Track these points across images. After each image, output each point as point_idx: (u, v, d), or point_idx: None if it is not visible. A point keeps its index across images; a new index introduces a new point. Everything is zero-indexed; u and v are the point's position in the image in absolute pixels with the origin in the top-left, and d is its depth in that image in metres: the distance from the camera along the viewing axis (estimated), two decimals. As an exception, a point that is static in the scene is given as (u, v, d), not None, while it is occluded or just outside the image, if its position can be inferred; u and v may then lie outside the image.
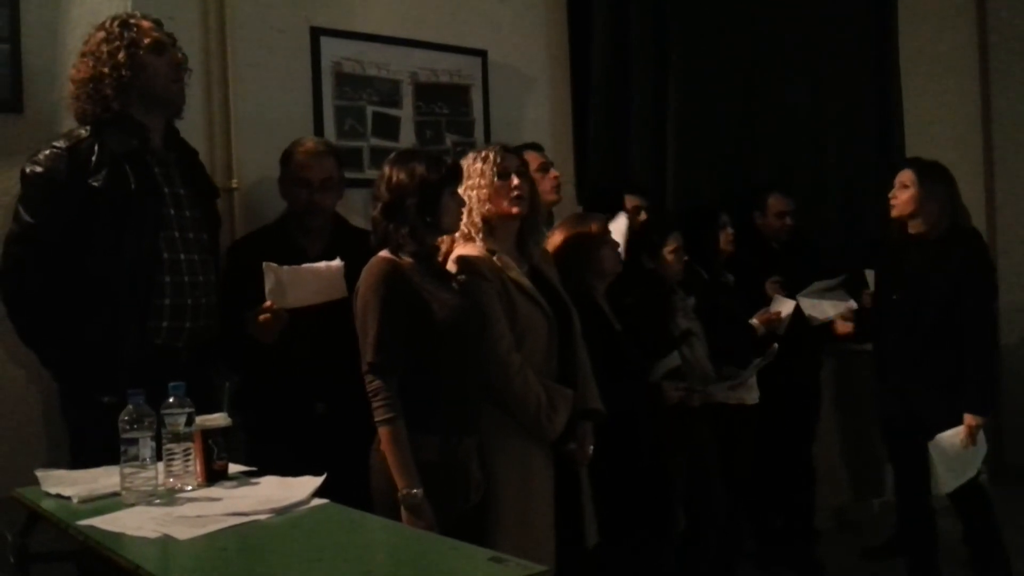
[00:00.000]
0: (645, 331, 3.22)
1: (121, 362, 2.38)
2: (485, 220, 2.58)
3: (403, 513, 2.21)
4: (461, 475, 2.38)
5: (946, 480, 3.38)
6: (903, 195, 3.56)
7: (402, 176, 2.33)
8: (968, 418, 3.37)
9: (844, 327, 3.99)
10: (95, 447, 2.10)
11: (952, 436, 3.37)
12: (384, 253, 2.33)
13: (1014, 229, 5.56)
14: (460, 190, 2.47)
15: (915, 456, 3.58)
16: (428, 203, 2.33)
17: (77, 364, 2.42)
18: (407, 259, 2.33)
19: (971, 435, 3.36)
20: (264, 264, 2.57)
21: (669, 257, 3.44)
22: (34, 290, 2.40)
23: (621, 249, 3.16)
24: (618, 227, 3.23)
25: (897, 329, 3.58)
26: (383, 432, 2.25)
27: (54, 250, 2.39)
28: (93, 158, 2.40)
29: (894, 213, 3.61)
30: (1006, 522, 3.70)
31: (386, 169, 2.39)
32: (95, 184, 2.39)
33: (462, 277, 2.51)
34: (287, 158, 2.91)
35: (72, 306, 2.40)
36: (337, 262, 2.63)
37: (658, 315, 3.37)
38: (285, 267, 2.60)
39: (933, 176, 3.56)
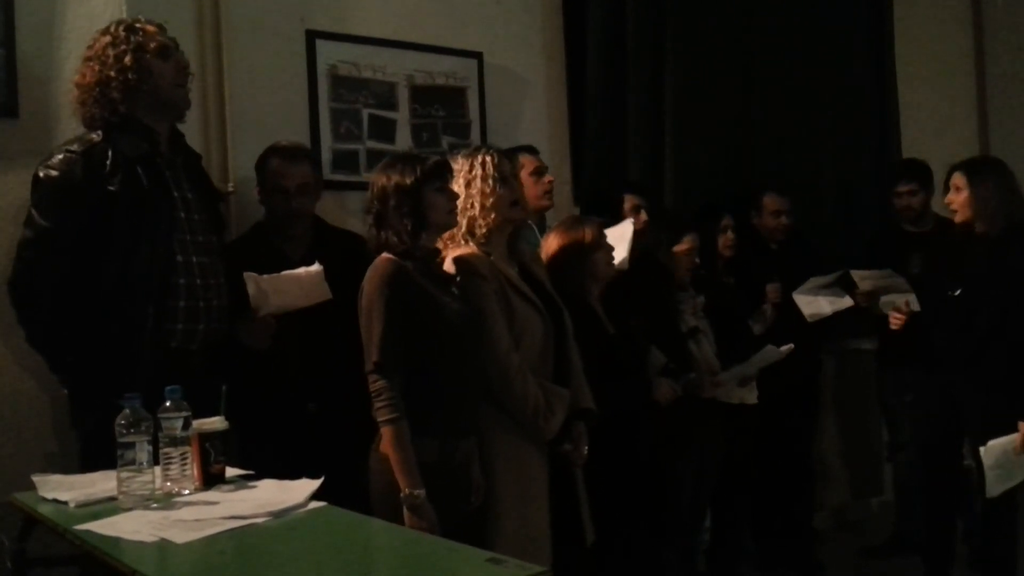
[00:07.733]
0: (653, 330, 3.23)
1: (137, 365, 2.36)
2: (487, 227, 2.56)
3: (405, 514, 2.20)
4: (461, 478, 2.38)
5: (993, 484, 3.28)
6: (958, 198, 3.45)
7: (382, 182, 2.35)
8: (1023, 425, 3.23)
9: (896, 320, 3.72)
10: (109, 452, 2.05)
11: (1006, 442, 3.26)
12: (387, 254, 2.33)
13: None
14: (453, 186, 2.47)
15: (951, 455, 3.52)
16: (409, 204, 2.32)
17: (92, 368, 2.39)
18: (408, 261, 2.33)
19: None
20: (244, 275, 2.59)
21: (681, 255, 3.44)
22: (47, 295, 2.38)
23: (626, 254, 3.15)
24: (623, 232, 3.21)
25: (951, 327, 3.48)
26: (386, 432, 2.24)
27: (69, 254, 2.37)
28: (108, 162, 2.39)
29: (957, 219, 3.49)
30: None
31: (372, 178, 2.41)
32: (112, 188, 2.38)
33: (458, 278, 2.50)
34: (262, 165, 2.91)
35: (87, 310, 2.38)
36: (316, 267, 2.66)
37: (663, 313, 3.37)
38: (265, 276, 2.62)
39: (983, 174, 3.45)
